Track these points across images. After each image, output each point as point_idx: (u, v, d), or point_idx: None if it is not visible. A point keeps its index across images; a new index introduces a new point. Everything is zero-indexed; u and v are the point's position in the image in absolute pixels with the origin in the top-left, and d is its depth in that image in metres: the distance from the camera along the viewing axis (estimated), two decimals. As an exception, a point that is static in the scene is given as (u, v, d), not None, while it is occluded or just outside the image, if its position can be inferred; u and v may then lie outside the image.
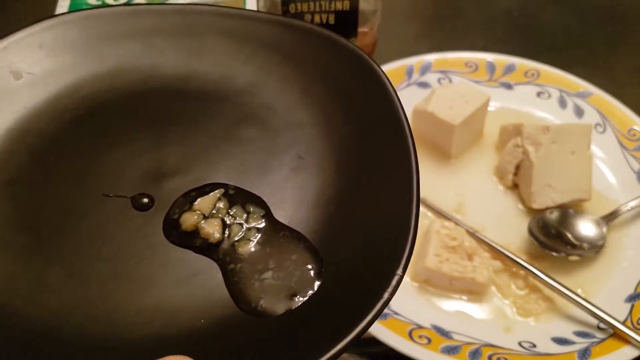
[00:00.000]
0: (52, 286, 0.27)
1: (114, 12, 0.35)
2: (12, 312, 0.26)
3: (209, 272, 0.28)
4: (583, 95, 0.55)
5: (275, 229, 0.29)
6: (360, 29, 0.52)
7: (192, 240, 0.29)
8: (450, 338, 0.40)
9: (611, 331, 0.41)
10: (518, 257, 0.44)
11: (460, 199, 0.49)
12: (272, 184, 0.31)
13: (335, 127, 0.32)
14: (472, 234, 0.45)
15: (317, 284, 0.27)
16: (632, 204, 0.47)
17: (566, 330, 0.41)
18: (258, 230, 0.29)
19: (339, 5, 0.50)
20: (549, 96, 0.55)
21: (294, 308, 0.26)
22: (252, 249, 0.29)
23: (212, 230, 0.29)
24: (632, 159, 0.51)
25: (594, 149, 0.51)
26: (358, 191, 0.30)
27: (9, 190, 0.30)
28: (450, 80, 0.57)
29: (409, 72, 0.57)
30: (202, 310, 0.26)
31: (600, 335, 0.41)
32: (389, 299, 0.24)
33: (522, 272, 0.44)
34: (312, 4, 0.49)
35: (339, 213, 0.29)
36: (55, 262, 0.28)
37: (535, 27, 0.68)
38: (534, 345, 0.40)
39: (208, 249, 0.29)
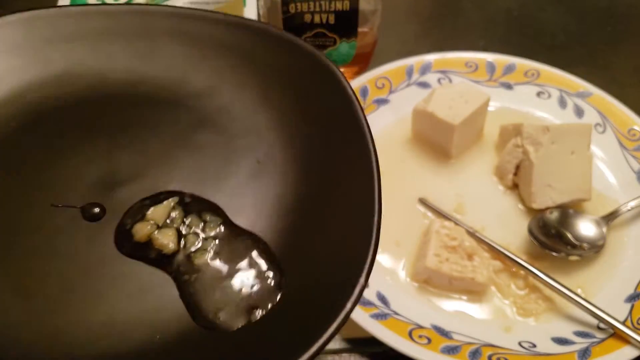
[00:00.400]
0: (0, 304, 0.25)
1: (62, 12, 0.33)
2: None
3: (164, 285, 0.27)
4: (583, 95, 0.55)
5: (233, 238, 0.28)
6: (360, 29, 0.52)
7: (146, 252, 0.27)
8: (450, 338, 0.40)
9: (611, 331, 0.41)
10: (518, 257, 0.44)
11: (460, 199, 0.49)
12: (230, 191, 0.30)
13: (294, 131, 0.31)
14: (472, 234, 0.45)
15: (278, 295, 0.26)
16: (632, 203, 0.47)
17: (566, 330, 0.41)
18: (215, 239, 0.28)
19: (339, 5, 0.50)
20: (549, 96, 0.55)
21: (253, 321, 0.25)
22: (209, 260, 0.27)
23: (166, 240, 0.28)
24: (632, 159, 0.51)
25: (594, 149, 0.51)
26: (320, 198, 0.29)
27: None
28: (450, 80, 0.57)
29: (409, 72, 0.57)
30: (156, 326, 0.25)
31: (600, 335, 0.41)
32: (351, 309, 0.23)
33: (522, 272, 0.44)
34: (312, 3, 0.49)
35: (301, 221, 0.28)
36: (0, 280, 0.26)
37: (535, 27, 0.68)
38: (534, 345, 0.40)
39: (162, 260, 0.27)
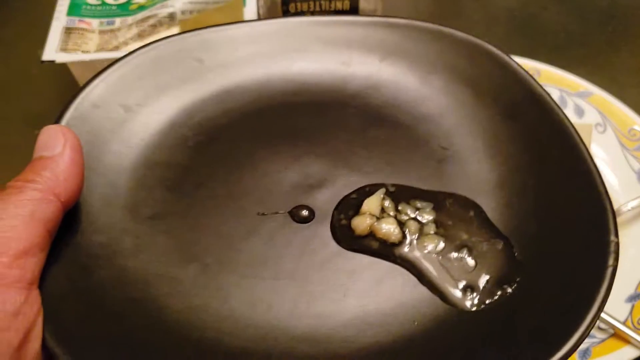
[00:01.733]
0: (240, 315, 0.25)
1: (205, 38, 0.35)
2: (209, 345, 0.24)
3: (400, 273, 0.27)
4: (583, 95, 0.55)
5: (450, 218, 0.28)
6: (361, 29, 0.52)
7: (370, 244, 0.28)
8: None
9: (611, 331, 0.40)
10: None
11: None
12: (424, 178, 0.30)
13: (470, 114, 0.32)
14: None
15: (518, 269, 0.26)
16: (633, 204, 0.47)
17: (566, 330, 0.41)
18: (434, 223, 0.28)
19: (339, 5, 0.50)
20: (550, 96, 0.55)
21: (505, 299, 0.25)
22: (437, 242, 0.27)
23: (390, 228, 0.28)
24: (632, 159, 0.51)
25: (595, 148, 0.51)
26: (522, 172, 0.29)
27: (157, 224, 0.28)
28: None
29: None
30: (409, 313, 0.25)
31: (600, 335, 0.41)
32: (615, 268, 0.24)
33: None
34: (312, 3, 0.49)
35: (511, 198, 0.29)
36: (233, 289, 0.26)
37: (536, 27, 0.68)
38: (534, 346, 0.40)
39: (388, 249, 0.27)
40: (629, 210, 0.46)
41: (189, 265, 0.27)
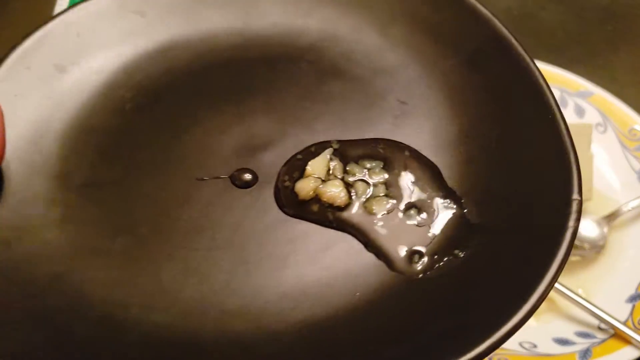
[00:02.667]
0: (170, 288, 0.24)
1: None
2: (134, 323, 0.23)
3: (345, 239, 0.25)
4: (584, 95, 0.55)
5: (400, 178, 0.27)
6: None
7: (314, 209, 0.26)
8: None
9: (612, 331, 0.40)
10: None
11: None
12: (379, 134, 0.28)
13: (431, 65, 0.30)
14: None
15: (471, 232, 0.24)
16: (633, 204, 0.46)
17: (567, 330, 0.41)
18: (384, 184, 0.26)
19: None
20: (550, 96, 0.55)
21: (456, 263, 0.23)
22: (386, 205, 0.26)
23: (336, 192, 0.26)
24: (633, 159, 0.51)
25: (595, 148, 0.51)
26: (486, 123, 0.27)
27: (89, 192, 0.26)
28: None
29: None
30: (352, 282, 0.24)
31: (601, 335, 0.41)
32: (575, 230, 0.21)
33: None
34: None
35: (473, 152, 0.27)
36: (164, 261, 0.24)
37: (535, 26, 0.68)
38: (535, 346, 0.40)
39: (333, 214, 0.26)
40: (629, 210, 0.46)
41: (119, 237, 0.25)
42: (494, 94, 0.28)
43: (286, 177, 0.27)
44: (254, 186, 0.27)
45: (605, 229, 0.46)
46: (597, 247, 0.45)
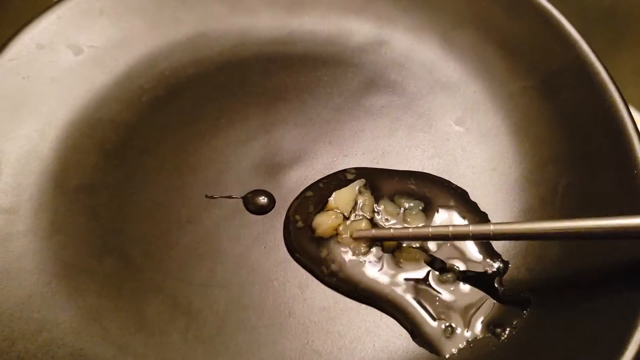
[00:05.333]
0: (153, 328, 0.21)
1: None
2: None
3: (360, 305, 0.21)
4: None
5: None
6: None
7: (326, 248, 0.22)
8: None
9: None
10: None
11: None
12: (425, 167, 0.24)
13: (497, 84, 0.26)
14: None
15: (519, 309, 0.20)
16: (634, 203, 0.46)
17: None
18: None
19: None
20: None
21: (495, 345, 0.20)
22: (418, 259, 0.21)
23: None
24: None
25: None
26: (553, 166, 0.23)
27: (82, 199, 0.23)
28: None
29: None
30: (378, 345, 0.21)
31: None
32: None
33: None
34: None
35: (536, 201, 0.23)
36: (152, 293, 0.22)
37: (536, 27, 0.68)
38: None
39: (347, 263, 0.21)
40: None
41: (107, 258, 0.22)
42: (570, 131, 0.24)
43: (302, 210, 0.23)
44: (269, 213, 0.23)
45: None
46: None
